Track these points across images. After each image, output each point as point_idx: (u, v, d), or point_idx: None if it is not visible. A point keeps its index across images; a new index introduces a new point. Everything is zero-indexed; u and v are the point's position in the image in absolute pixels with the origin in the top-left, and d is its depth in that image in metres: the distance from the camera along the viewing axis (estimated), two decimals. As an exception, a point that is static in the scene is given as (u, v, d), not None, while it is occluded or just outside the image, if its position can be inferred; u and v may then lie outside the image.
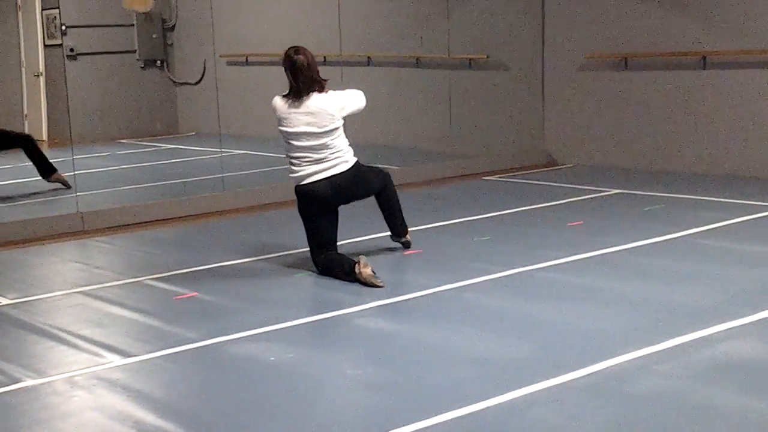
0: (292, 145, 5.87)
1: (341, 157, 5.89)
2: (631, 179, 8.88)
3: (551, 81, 10.09)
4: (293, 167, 5.90)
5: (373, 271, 5.54)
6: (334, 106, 5.84)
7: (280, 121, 5.93)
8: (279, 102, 5.95)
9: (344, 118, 5.93)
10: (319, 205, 5.86)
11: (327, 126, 5.80)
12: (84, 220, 7.55)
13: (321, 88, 5.88)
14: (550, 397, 3.86)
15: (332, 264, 5.76)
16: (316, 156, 5.83)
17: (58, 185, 9.03)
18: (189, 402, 4.04)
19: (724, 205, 7.50)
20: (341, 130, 5.91)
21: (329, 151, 5.84)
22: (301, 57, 5.91)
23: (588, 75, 9.80)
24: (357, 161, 5.98)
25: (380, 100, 11.47)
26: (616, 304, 5.09)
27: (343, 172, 5.88)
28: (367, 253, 6.10)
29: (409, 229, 6.39)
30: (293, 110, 5.86)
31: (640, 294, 5.25)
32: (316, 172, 5.83)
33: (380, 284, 5.49)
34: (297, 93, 5.87)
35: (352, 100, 5.98)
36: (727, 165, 8.86)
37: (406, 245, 6.38)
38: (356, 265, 5.55)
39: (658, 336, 4.48)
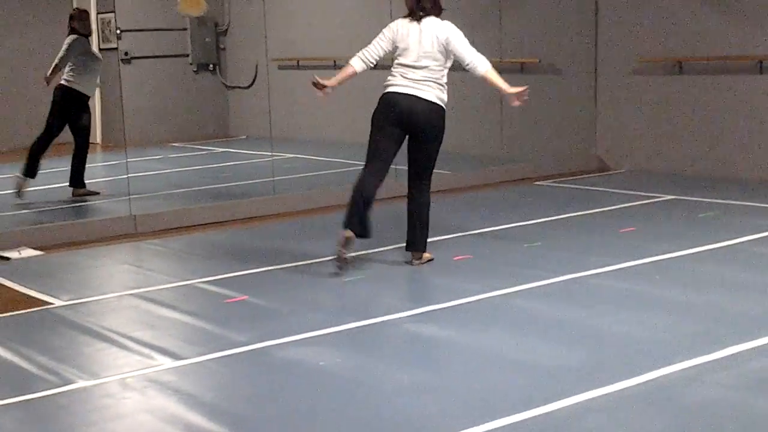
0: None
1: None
2: (685, 185, 8.76)
3: (604, 85, 10.00)
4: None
5: (345, 249, 5.90)
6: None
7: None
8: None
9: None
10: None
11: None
12: (137, 222, 7.64)
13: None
14: (602, 406, 3.82)
15: (359, 200, 5.98)
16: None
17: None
18: (239, 405, 4.06)
19: (781, 212, 7.38)
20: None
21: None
22: None
23: (641, 79, 9.70)
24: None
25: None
26: (669, 311, 5.03)
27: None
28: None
29: (427, 249, 6.25)
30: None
31: (694, 302, 5.18)
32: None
33: (343, 256, 5.93)
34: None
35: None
36: (784, 171, 8.72)
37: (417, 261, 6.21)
38: (344, 232, 5.90)
39: (712, 345, 4.42)
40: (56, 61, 8.83)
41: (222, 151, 12.52)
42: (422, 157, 6.12)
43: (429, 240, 6.24)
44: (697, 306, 5.12)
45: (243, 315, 5.30)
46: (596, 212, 7.75)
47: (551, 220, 7.48)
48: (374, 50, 6.24)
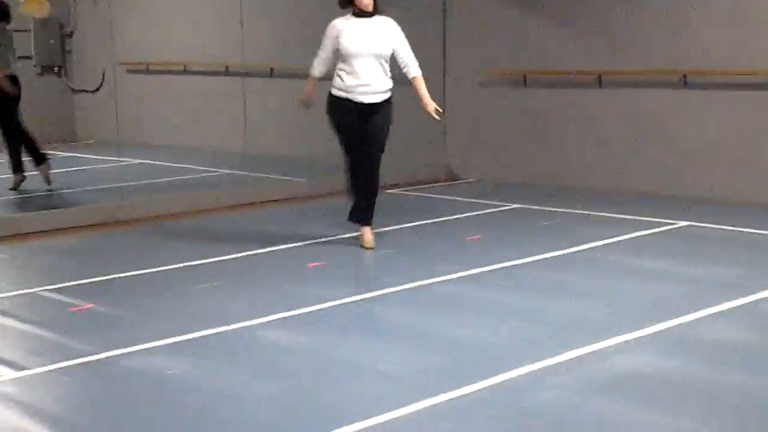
0: None
1: None
2: (530, 194, 9.04)
3: (452, 97, 10.21)
4: None
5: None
6: None
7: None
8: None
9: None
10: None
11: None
12: (-24, 229, 7.35)
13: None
14: (449, 411, 3.90)
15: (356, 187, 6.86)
16: None
17: None
18: (84, 417, 3.96)
19: (619, 221, 7.69)
20: None
21: None
22: None
23: (489, 91, 9.95)
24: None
25: (281, 111, 11.46)
26: (513, 317, 5.18)
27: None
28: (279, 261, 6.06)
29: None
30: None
31: (536, 308, 5.35)
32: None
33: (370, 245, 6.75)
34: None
35: None
36: (623, 181, 9.09)
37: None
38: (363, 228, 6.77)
39: (553, 349, 4.57)
40: None
41: (67, 156, 12.16)
42: (376, 138, 6.76)
43: (281, 246, 6.24)
44: (539, 311, 5.29)
45: (88, 324, 5.17)
46: (444, 220, 7.90)
47: (401, 228, 7.59)
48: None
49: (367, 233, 6.81)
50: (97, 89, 11.71)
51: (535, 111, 9.71)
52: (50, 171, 9.40)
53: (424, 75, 6.87)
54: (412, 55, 6.75)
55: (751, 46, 8.20)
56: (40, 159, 9.34)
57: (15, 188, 9.28)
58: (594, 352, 4.55)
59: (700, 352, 4.59)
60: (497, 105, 9.97)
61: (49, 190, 9.35)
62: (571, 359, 4.46)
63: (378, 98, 6.63)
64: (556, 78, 9.49)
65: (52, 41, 13.21)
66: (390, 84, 6.70)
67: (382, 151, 6.79)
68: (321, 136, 11.09)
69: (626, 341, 4.70)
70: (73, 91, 13.51)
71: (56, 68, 13.37)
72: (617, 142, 9.12)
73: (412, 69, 6.75)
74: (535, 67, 9.61)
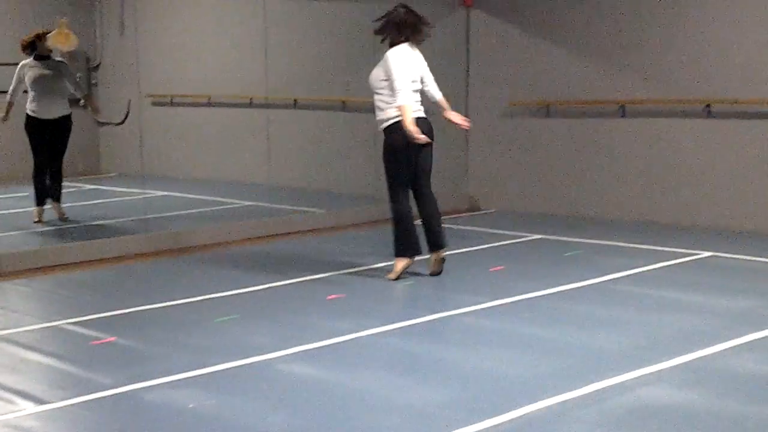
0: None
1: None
2: (552, 225, 9.01)
3: (475, 127, 10.17)
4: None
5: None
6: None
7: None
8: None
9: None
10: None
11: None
12: (1, 261, 7.39)
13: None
14: (469, 444, 3.88)
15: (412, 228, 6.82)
16: None
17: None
18: (104, 451, 3.96)
19: (641, 252, 7.65)
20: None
21: None
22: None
23: (511, 122, 9.96)
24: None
25: (305, 142, 11.51)
26: (535, 349, 5.15)
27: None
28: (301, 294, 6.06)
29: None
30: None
31: (559, 339, 5.32)
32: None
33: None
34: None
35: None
36: (645, 212, 9.05)
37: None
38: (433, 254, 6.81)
39: (576, 382, 4.54)
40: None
41: (91, 188, 12.25)
42: (429, 164, 6.84)
43: (302, 279, 6.24)
44: (562, 343, 5.25)
45: (110, 357, 5.19)
46: (467, 251, 7.89)
47: (423, 259, 7.57)
48: (406, 84, 6.65)
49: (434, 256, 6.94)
50: (123, 121, 11.77)
51: (558, 141, 9.70)
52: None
53: (448, 105, 7.02)
54: (396, 85, 6.65)
55: (774, 75, 8.17)
56: (59, 196, 9.48)
57: (39, 220, 9.37)
58: (617, 384, 4.52)
59: (725, 385, 4.54)
60: (519, 135, 9.97)
61: (69, 221, 9.45)
62: (593, 392, 4.42)
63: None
64: (579, 108, 9.48)
65: (78, 74, 13.34)
66: (384, 115, 6.75)
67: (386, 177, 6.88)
68: (344, 168, 11.17)
69: (650, 374, 4.66)
70: (99, 123, 13.62)
71: (82, 101, 13.50)
72: (640, 172, 9.09)
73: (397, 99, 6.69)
74: (558, 97, 9.62)
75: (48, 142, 9.34)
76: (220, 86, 12.38)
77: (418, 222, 6.88)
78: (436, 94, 6.96)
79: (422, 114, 6.79)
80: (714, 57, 8.51)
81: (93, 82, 13.52)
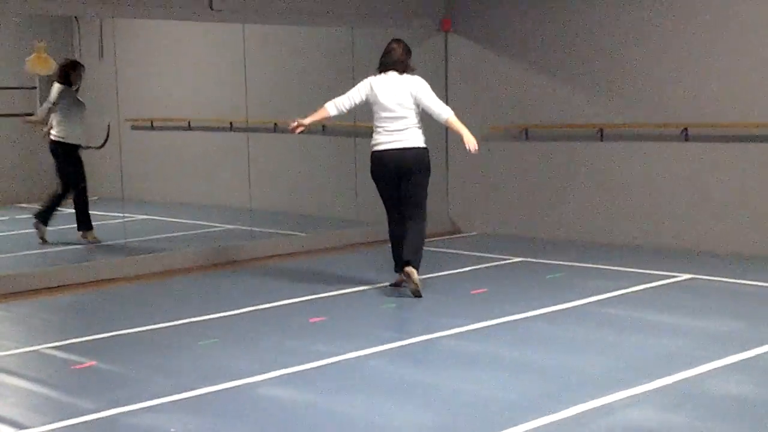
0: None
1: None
2: (534, 248, 9.04)
3: (455, 151, 10.25)
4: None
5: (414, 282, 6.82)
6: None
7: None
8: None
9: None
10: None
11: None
12: (-20, 286, 7.35)
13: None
14: (453, 467, 3.87)
15: (397, 247, 7.05)
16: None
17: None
18: (86, 476, 3.93)
19: (623, 274, 7.68)
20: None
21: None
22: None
23: (491, 145, 9.99)
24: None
25: (286, 166, 11.51)
26: (518, 372, 5.15)
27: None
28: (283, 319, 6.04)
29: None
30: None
31: (542, 362, 5.33)
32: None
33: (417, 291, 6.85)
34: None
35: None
36: (626, 234, 9.09)
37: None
38: (406, 270, 6.84)
39: (558, 404, 4.54)
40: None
41: (72, 212, 12.18)
42: (413, 194, 6.98)
43: (282, 302, 6.22)
44: (544, 365, 5.26)
45: (91, 381, 5.16)
46: (448, 274, 7.90)
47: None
48: (348, 100, 7.07)
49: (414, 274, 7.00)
50: (102, 145, 11.74)
51: (537, 164, 9.74)
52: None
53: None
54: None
55: (751, 98, 8.25)
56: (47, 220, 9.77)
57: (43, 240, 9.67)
58: (599, 407, 4.52)
59: (706, 407, 4.55)
60: (499, 159, 10.01)
61: (46, 244, 9.47)
62: (576, 414, 4.42)
63: None
64: (558, 131, 9.54)
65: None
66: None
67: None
68: (325, 191, 11.18)
69: (632, 395, 4.67)
70: (79, 147, 13.56)
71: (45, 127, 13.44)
72: (619, 195, 9.14)
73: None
74: (537, 121, 9.68)
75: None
76: (199, 110, 12.38)
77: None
78: (443, 114, 7.05)
79: (403, 144, 6.93)
80: (691, 81, 8.59)
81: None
